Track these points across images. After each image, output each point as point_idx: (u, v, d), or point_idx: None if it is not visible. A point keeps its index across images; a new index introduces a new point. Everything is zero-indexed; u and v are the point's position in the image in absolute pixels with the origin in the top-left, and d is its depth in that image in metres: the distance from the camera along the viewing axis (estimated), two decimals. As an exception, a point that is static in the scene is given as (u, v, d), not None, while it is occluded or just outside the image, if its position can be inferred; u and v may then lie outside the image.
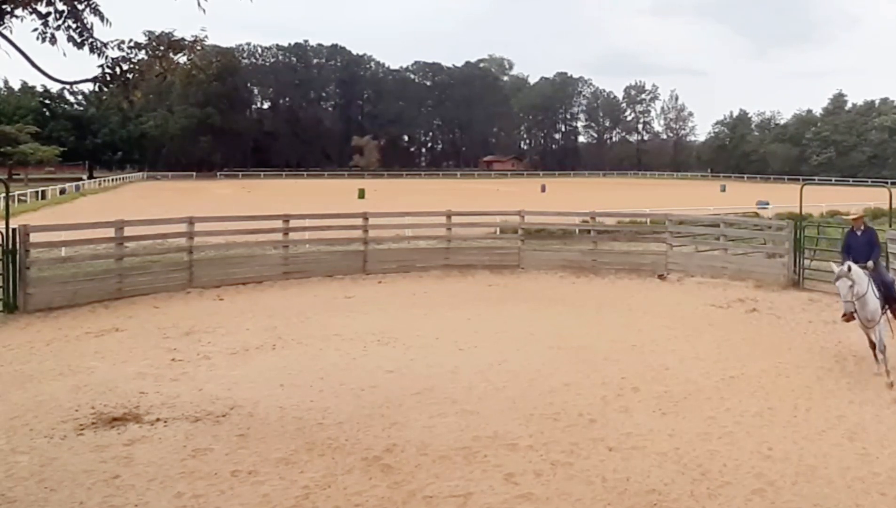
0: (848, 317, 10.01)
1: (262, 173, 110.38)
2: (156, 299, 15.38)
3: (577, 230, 23.26)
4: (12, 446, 7.57)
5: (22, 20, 6.55)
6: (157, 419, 8.36)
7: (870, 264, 10.46)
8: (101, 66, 6.96)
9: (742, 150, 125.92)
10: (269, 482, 6.81)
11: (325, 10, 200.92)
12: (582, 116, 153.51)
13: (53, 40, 6.60)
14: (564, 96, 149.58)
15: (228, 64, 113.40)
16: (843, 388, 9.69)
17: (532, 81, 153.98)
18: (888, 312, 10.56)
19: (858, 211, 11.92)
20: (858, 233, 10.97)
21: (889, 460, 7.39)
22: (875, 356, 10.22)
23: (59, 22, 6.59)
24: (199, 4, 6.70)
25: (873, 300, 10.04)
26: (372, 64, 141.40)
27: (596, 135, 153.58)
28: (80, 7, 6.59)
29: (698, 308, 15.03)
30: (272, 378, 9.95)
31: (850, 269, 9.94)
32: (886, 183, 48.94)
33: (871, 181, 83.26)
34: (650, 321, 13.69)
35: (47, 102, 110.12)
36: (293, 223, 19.16)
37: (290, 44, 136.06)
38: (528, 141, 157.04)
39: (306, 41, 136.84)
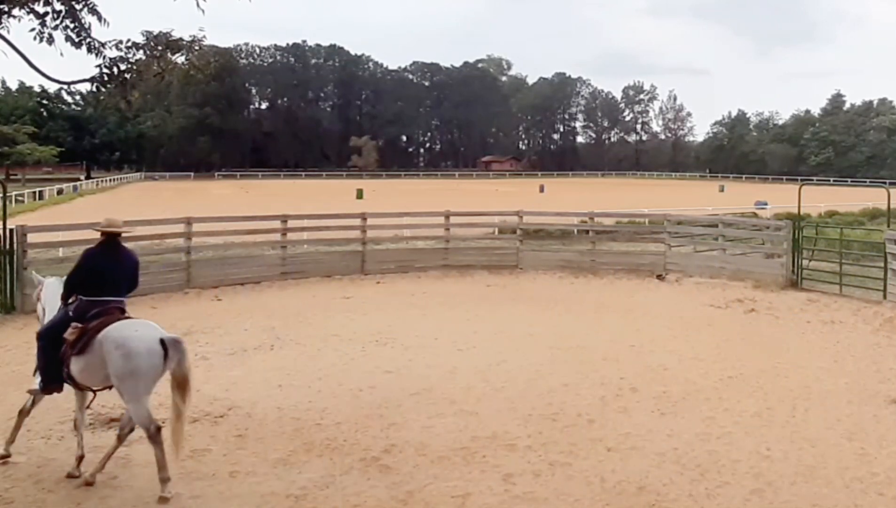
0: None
1: (260, 174, 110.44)
2: (153, 300, 15.33)
3: (575, 231, 23.29)
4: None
5: (19, 20, 6.56)
6: (155, 420, 8.33)
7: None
8: (99, 66, 6.97)
9: (741, 150, 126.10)
10: (268, 482, 6.80)
11: (323, 10, 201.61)
12: (580, 116, 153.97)
13: (51, 40, 6.62)
14: (563, 97, 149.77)
15: (227, 64, 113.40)
16: (842, 388, 9.68)
17: (530, 81, 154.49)
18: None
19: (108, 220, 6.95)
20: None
21: (887, 460, 7.38)
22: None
23: (57, 22, 6.60)
24: (197, 5, 6.73)
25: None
26: (370, 64, 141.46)
27: (594, 135, 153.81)
28: (78, 7, 6.60)
29: (697, 309, 15.03)
30: (270, 379, 9.93)
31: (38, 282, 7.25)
32: (885, 183, 49.04)
33: (870, 181, 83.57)
34: (649, 322, 13.68)
35: (45, 102, 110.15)
36: (291, 224, 19.11)
37: (288, 44, 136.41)
38: (526, 141, 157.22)
39: (304, 41, 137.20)
